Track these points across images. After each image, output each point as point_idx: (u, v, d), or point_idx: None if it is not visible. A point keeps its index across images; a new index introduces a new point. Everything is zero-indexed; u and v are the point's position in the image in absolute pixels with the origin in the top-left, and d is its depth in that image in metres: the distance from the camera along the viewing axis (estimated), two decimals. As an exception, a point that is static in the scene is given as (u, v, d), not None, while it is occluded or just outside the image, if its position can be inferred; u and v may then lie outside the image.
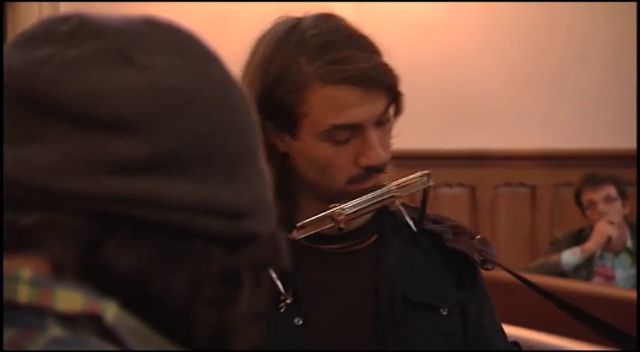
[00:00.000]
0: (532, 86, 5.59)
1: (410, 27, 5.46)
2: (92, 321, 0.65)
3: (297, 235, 1.38)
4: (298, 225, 1.39)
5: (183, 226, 0.67)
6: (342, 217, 1.39)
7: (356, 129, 1.38)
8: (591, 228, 4.59)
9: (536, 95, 5.58)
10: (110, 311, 0.65)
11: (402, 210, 1.48)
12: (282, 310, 1.39)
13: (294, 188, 1.43)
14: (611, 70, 5.67)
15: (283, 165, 1.41)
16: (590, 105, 5.65)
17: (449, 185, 5.42)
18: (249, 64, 1.43)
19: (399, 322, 1.44)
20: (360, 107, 1.36)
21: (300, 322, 1.41)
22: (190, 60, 0.71)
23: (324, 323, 1.44)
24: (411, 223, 1.49)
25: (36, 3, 4.97)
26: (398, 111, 1.43)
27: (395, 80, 1.40)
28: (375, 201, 1.42)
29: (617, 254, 4.60)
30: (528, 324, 3.29)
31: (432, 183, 1.47)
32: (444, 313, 1.47)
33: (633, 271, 4.57)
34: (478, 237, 1.53)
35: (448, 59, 5.48)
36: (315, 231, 1.39)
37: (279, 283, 1.37)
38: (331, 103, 1.36)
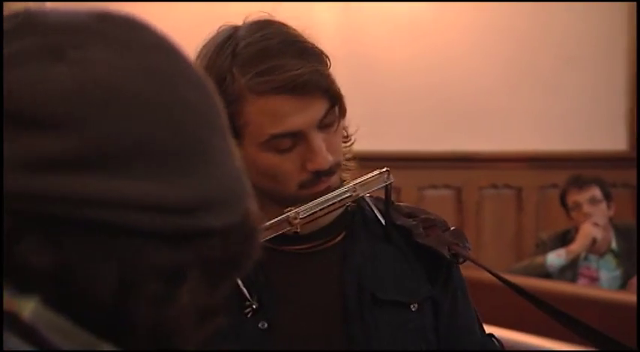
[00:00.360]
0: (522, 87, 5.60)
1: (399, 28, 5.44)
2: (13, 320, 0.64)
3: None
4: None
5: (111, 223, 0.66)
6: (297, 220, 1.39)
7: (298, 136, 1.38)
8: (576, 229, 4.60)
9: (526, 96, 5.59)
10: (26, 308, 0.64)
11: (372, 205, 1.48)
12: (248, 315, 1.40)
13: None
14: (601, 71, 5.68)
15: None
16: (579, 106, 5.66)
17: (435, 186, 5.40)
18: None
19: (367, 320, 1.44)
20: (296, 114, 1.37)
21: (265, 326, 1.41)
22: (132, 54, 0.69)
23: (290, 325, 1.43)
24: (380, 217, 1.48)
25: (22, 3, 4.94)
26: (342, 113, 1.43)
27: (331, 82, 1.40)
28: (333, 202, 1.42)
29: (602, 255, 4.61)
30: (510, 325, 3.30)
31: (392, 180, 1.47)
32: (414, 309, 1.47)
33: (618, 272, 4.58)
34: (452, 228, 1.52)
35: (437, 61, 5.47)
36: (274, 235, 1.38)
37: (244, 289, 1.38)
38: (267, 114, 1.37)
